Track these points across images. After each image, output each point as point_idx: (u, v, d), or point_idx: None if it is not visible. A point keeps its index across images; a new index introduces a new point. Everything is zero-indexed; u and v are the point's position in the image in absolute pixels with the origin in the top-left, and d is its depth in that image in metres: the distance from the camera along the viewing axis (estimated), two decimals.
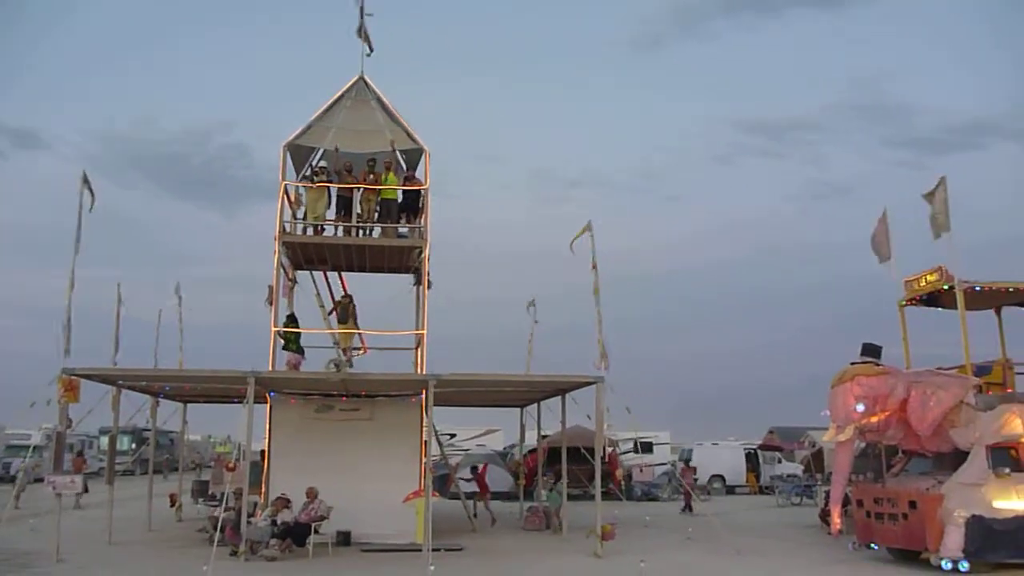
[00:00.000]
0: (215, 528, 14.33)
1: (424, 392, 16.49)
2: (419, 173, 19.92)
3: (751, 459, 37.25)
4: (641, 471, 34.09)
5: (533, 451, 26.12)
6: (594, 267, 17.34)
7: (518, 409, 23.74)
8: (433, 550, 14.18)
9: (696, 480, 29.99)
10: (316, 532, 15.37)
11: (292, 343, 18.39)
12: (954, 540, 13.18)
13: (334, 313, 20.03)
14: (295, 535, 15.17)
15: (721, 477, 36.11)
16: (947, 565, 13.18)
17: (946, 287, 15.21)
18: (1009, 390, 14.79)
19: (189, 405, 21.68)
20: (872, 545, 15.16)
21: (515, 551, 16.40)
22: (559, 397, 19.28)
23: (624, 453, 35.76)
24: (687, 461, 29.36)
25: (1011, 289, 15.63)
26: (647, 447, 37.86)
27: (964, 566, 13.11)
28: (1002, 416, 13.90)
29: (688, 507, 25.29)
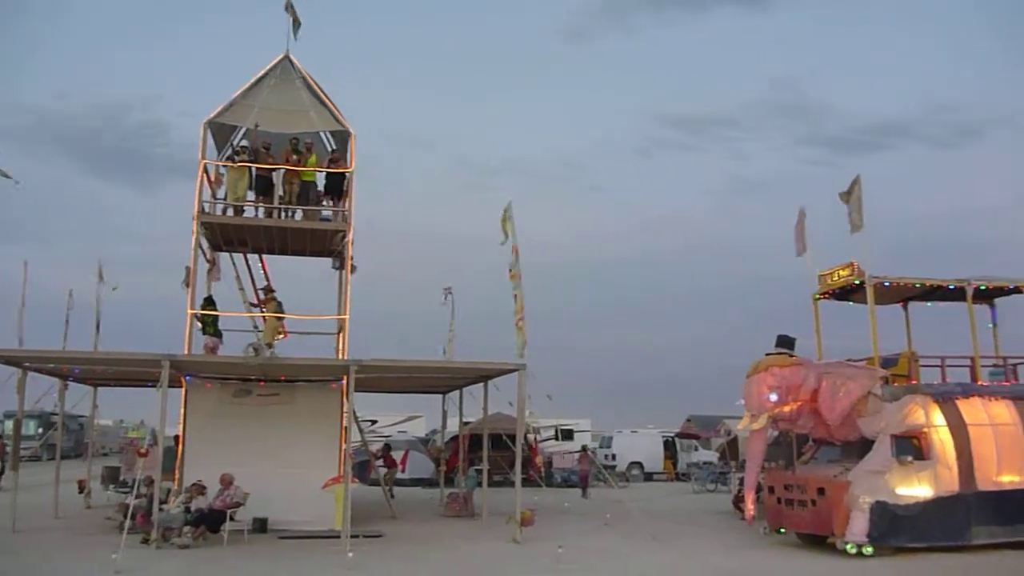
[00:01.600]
0: (125, 515, 13.96)
1: (345, 377, 16.33)
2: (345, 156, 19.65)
3: (669, 447, 38.01)
4: (562, 458, 34.52)
5: (455, 438, 26.19)
6: (514, 252, 17.25)
7: (440, 395, 23.72)
8: (352, 536, 14.09)
9: (594, 467, 30.81)
10: (231, 519, 15.10)
11: (209, 326, 17.95)
12: (859, 525, 13.69)
13: (261, 307, 19.47)
14: (209, 522, 14.88)
15: (640, 464, 36.76)
16: (852, 549, 13.66)
17: (857, 282, 15.73)
18: (913, 381, 15.39)
19: (100, 389, 21.04)
20: (782, 530, 15.64)
21: (435, 537, 16.40)
22: (481, 384, 19.33)
23: (545, 440, 36.08)
24: (584, 447, 29.79)
25: (917, 285, 16.27)
26: (568, 434, 38.23)
27: (868, 550, 13.61)
28: (906, 407, 14.49)
29: (585, 492, 25.84)
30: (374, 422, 37.11)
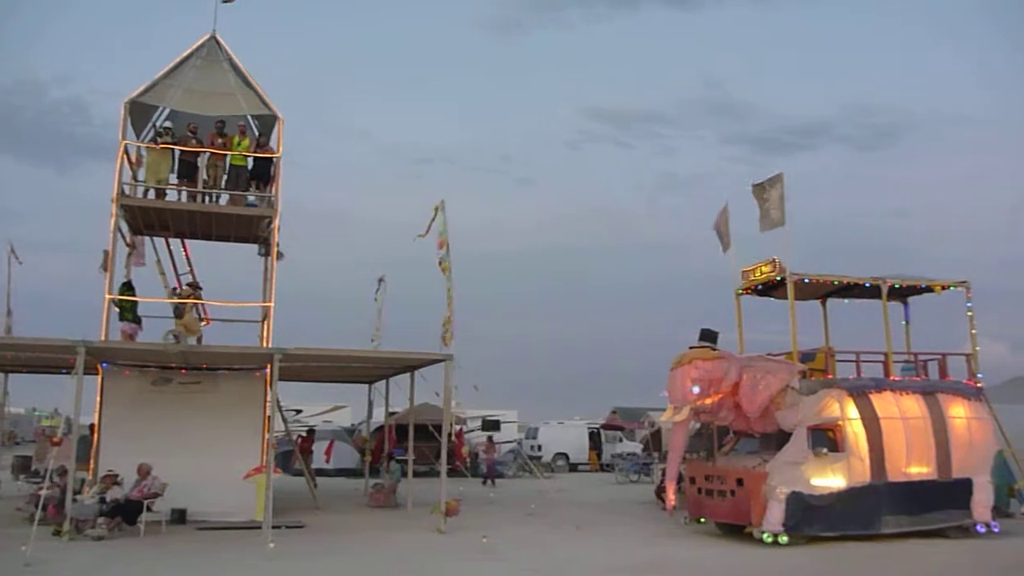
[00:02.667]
0: (37, 506, 13.50)
1: (269, 366, 16.07)
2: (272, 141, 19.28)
3: (594, 438, 38.41)
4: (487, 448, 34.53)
5: (381, 428, 26.02)
6: (443, 245, 17.15)
7: (366, 385, 23.53)
8: (273, 527, 13.91)
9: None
10: (149, 510, 14.74)
11: (128, 312, 17.44)
12: (775, 514, 14.07)
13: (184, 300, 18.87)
14: (125, 513, 14.50)
15: (565, 455, 37.06)
16: (768, 538, 14.02)
17: (778, 278, 16.11)
18: (830, 376, 15.83)
19: (12, 375, 20.30)
20: (702, 520, 15.97)
21: (358, 528, 16.28)
22: (408, 374, 19.25)
23: (472, 431, 36.12)
24: (490, 438, 29.67)
25: (836, 282, 16.72)
26: (495, 425, 38.34)
27: (783, 539, 13.99)
28: (822, 400, 14.92)
29: (491, 481, 25.98)
30: (299, 411, 36.67)
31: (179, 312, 17.65)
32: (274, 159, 18.48)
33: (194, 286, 18.47)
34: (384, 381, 21.70)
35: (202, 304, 18.45)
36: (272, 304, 18.17)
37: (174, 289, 19.37)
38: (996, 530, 15.28)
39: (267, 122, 19.43)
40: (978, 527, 15.18)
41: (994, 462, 16.00)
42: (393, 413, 24.29)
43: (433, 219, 17.17)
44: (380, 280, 22.44)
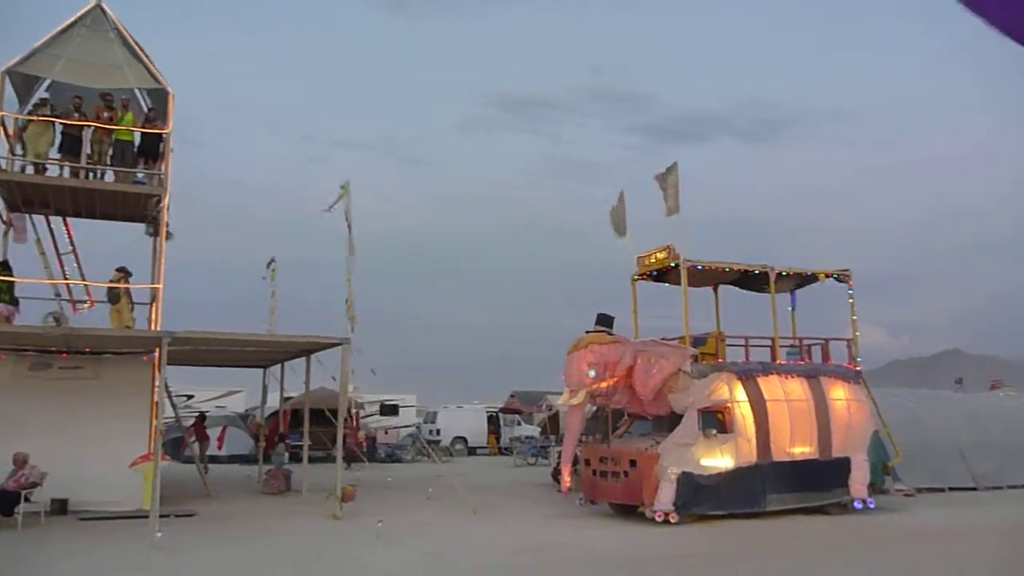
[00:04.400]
0: None
1: (157, 350, 15.53)
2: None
3: (493, 421, 38.68)
4: (386, 433, 34.42)
5: (276, 413, 25.55)
6: (348, 227, 16.91)
7: (261, 370, 23.03)
8: (161, 516, 13.51)
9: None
10: (27, 500, 14.08)
11: (4, 293, 16.54)
12: (666, 494, 14.46)
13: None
14: (1, 504, 13.82)
15: (463, 439, 37.21)
16: (659, 517, 14.41)
17: (673, 264, 16.49)
18: (720, 360, 16.33)
19: None
20: (596, 501, 16.28)
21: (251, 515, 15.95)
22: (304, 358, 18.92)
23: (369, 416, 35.85)
24: (354, 419, 29.20)
25: (727, 269, 17.22)
26: (393, 410, 38.17)
27: (674, 518, 14.39)
28: (712, 383, 15.39)
29: (349, 464, 25.93)
30: (190, 397, 35.65)
31: (113, 297, 16.93)
32: (164, 135, 17.80)
33: (123, 271, 17.64)
34: (279, 365, 21.28)
35: (128, 289, 17.62)
36: (161, 286, 17.54)
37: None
38: (872, 506, 16.10)
39: (157, 96, 18.69)
40: (855, 503, 15.96)
41: (871, 441, 16.86)
42: (288, 398, 23.87)
43: (340, 197, 16.89)
44: (271, 262, 21.90)
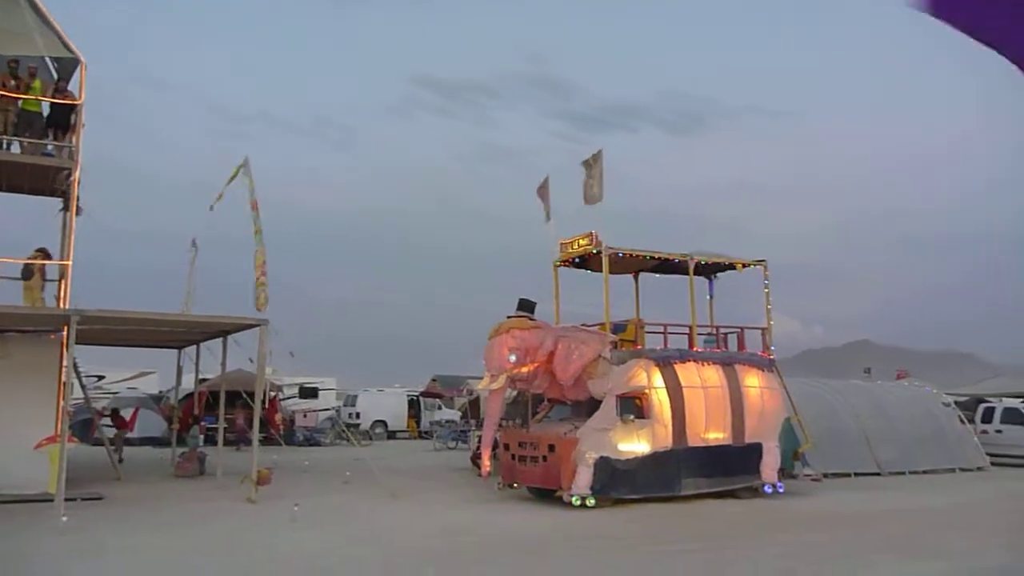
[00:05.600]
0: None
1: (65, 328, 14.98)
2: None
3: (413, 405, 38.56)
4: (305, 416, 33.99)
5: (191, 395, 24.97)
6: (254, 206, 16.52)
7: (176, 351, 22.45)
8: (68, 500, 13.08)
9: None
10: None
11: None
12: (584, 479, 14.64)
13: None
14: None
15: (384, 422, 37.02)
16: (576, 501, 14.57)
17: (595, 251, 16.64)
18: (639, 346, 16.58)
19: None
20: (515, 485, 16.38)
21: (162, 498, 15.58)
22: (221, 339, 18.52)
23: (288, 398, 35.36)
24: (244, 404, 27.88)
25: (647, 257, 17.47)
26: (312, 393, 37.71)
27: (591, 502, 14.59)
28: (631, 369, 15.62)
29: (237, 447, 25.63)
30: (101, 377, 34.63)
31: (27, 274, 16.28)
32: (75, 107, 17.12)
33: (43, 252, 16.89)
34: (195, 346, 20.79)
35: (43, 267, 16.87)
36: (70, 263, 16.91)
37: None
38: (781, 490, 16.59)
39: (68, 66, 17.94)
40: (766, 488, 16.42)
41: (782, 428, 17.35)
42: (204, 380, 23.35)
43: (232, 177, 16.51)
44: (193, 242, 21.35)
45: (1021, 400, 26.64)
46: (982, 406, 26.00)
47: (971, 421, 24.70)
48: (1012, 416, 24.80)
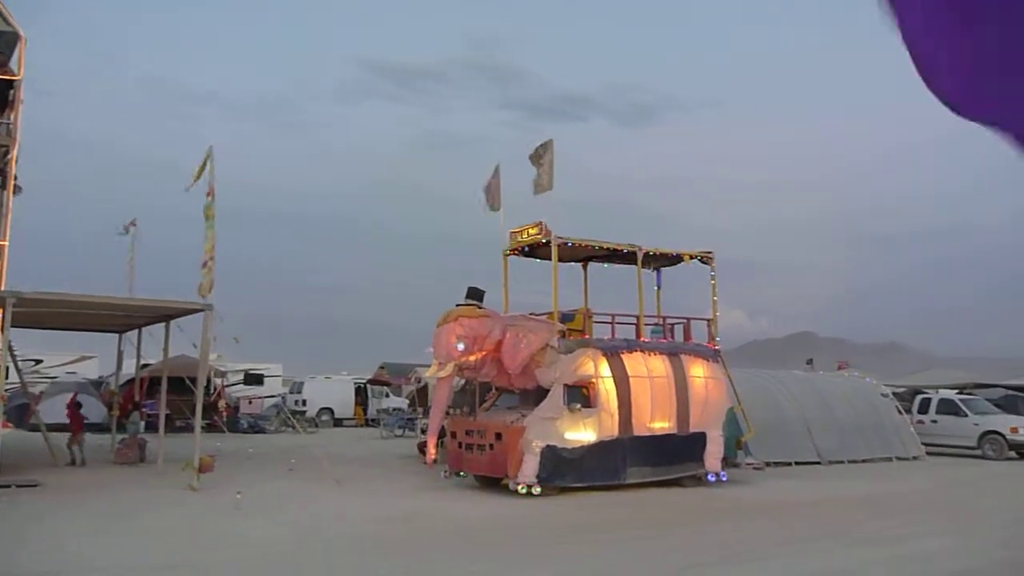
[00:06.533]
0: None
1: (1, 311, 14.58)
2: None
3: (360, 393, 38.33)
4: (250, 403, 33.57)
5: (132, 381, 24.45)
6: (210, 193, 16.22)
7: (117, 335, 21.98)
8: (2, 487, 12.76)
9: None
10: None
11: None
12: (530, 467, 14.70)
13: None
14: None
15: (330, 410, 36.75)
16: (522, 490, 14.63)
17: (544, 241, 16.67)
18: (587, 336, 16.67)
19: None
20: (461, 473, 16.38)
21: (100, 485, 15.25)
22: (163, 324, 18.19)
23: (233, 385, 34.88)
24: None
25: (596, 247, 17.57)
26: (257, 379, 37.25)
27: (537, 490, 14.66)
28: (578, 359, 15.70)
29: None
30: (38, 362, 33.78)
31: None
32: (14, 82, 16.63)
33: None
34: (137, 331, 20.37)
35: None
36: (7, 243, 16.46)
37: None
38: (724, 479, 16.86)
39: (7, 40, 17.39)
40: (709, 476, 16.67)
41: (726, 417, 17.62)
42: (146, 365, 22.90)
43: (203, 166, 16.17)
44: (131, 224, 20.84)
45: (956, 392, 27.45)
46: (919, 397, 26.69)
47: (908, 411, 25.37)
48: (947, 407, 25.51)
